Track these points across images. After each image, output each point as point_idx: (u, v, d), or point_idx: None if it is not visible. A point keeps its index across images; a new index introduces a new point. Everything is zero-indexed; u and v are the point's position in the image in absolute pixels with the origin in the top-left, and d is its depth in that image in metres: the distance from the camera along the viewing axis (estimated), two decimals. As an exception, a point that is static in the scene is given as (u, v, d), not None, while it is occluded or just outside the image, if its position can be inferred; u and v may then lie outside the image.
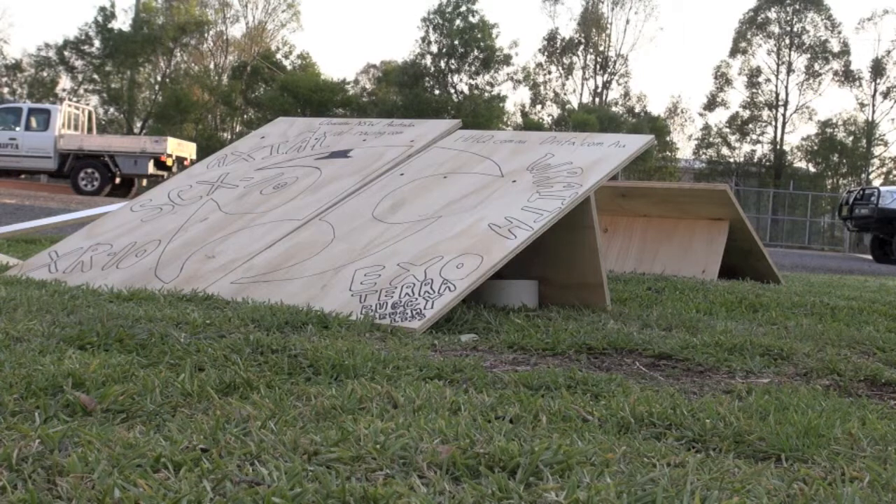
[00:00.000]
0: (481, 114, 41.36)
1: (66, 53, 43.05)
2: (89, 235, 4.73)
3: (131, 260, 4.35)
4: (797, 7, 44.25)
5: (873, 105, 44.51)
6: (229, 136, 43.26)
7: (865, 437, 2.05)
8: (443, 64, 44.08)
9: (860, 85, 44.64)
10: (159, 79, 45.46)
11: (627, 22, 48.83)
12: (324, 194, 4.60)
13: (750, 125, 44.97)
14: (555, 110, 46.29)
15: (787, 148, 45.17)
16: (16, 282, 4.07)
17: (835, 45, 44.41)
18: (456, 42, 43.44)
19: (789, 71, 44.69)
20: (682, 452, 1.89)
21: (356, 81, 46.88)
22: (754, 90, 45.06)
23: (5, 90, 43.01)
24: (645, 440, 1.98)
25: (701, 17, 64.75)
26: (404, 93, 43.18)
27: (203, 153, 24.71)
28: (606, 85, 46.65)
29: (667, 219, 7.19)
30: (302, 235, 4.24)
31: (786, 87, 44.81)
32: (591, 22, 45.56)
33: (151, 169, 25.61)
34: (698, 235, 6.95)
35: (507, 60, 44.41)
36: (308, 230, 4.28)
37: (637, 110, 46.25)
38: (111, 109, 44.59)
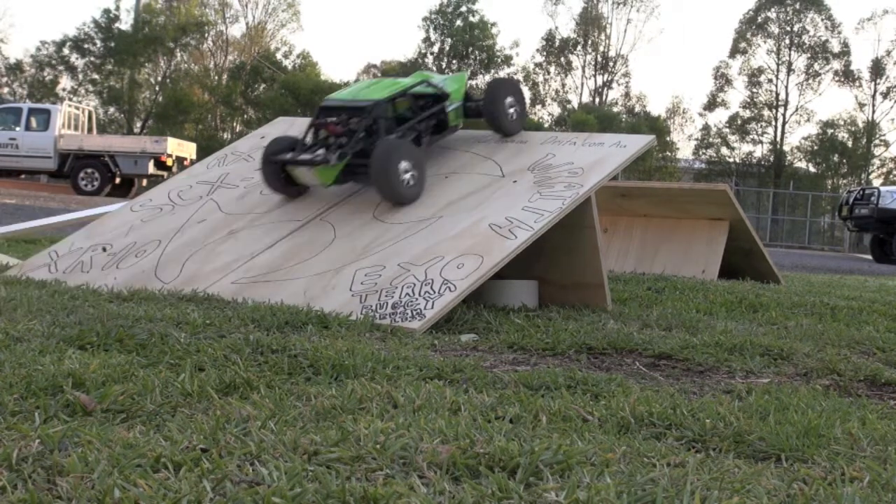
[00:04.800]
0: (482, 114, 41.30)
1: (66, 51, 43.03)
2: (89, 235, 4.73)
3: (131, 260, 4.35)
4: (797, 7, 44.23)
5: (873, 105, 44.51)
6: (229, 136, 43.21)
7: (865, 437, 2.05)
8: (443, 64, 44.08)
9: (860, 85, 44.64)
10: (159, 79, 45.46)
11: (629, 21, 48.86)
12: (324, 194, 4.60)
13: (750, 125, 44.96)
14: (555, 109, 46.33)
15: (787, 148, 45.17)
16: (16, 282, 4.07)
17: (835, 46, 44.39)
18: (457, 42, 43.43)
19: (789, 71, 44.69)
20: (682, 452, 1.88)
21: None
22: (754, 90, 45.06)
23: (5, 90, 43.00)
24: (645, 440, 1.98)
25: (701, 17, 64.74)
26: (404, 92, 43.12)
27: (203, 153, 24.67)
28: (607, 84, 46.65)
29: (667, 219, 7.18)
30: (302, 236, 4.24)
31: (786, 88, 44.81)
32: (590, 21, 45.54)
33: (151, 169, 25.59)
34: (698, 235, 6.95)
35: (507, 61, 44.43)
36: (308, 230, 4.28)
37: (637, 110, 46.25)
38: (111, 109, 44.57)
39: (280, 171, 4.53)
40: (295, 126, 5.60)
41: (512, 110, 4.83)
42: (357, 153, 4.41)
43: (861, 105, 44.82)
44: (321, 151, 4.43)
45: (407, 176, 4.29)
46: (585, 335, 3.32)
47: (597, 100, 46.53)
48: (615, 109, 45.50)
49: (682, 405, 2.25)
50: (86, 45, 42.90)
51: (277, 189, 4.56)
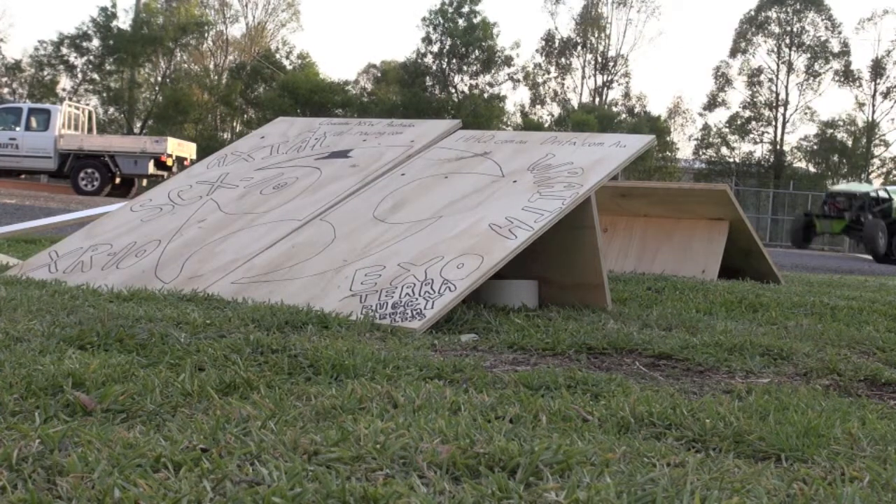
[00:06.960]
0: (481, 114, 41.35)
1: (65, 50, 42.99)
2: (89, 235, 4.73)
3: (131, 260, 4.35)
4: (797, 7, 44.24)
5: (873, 105, 44.53)
6: (229, 136, 43.21)
7: (865, 437, 2.05)
8: (444, 63, 44.06)
9: (860, 85, 44.65)
10: (159, 79, 45.45)
11: (629, 21, 48.89)
12: (324, 194, 4.60)
13: (750, 125, 44.96)
14: (555, 109, 46.31)
15: (786, 148, 45.18)
16: (16, 282, 4.07)
17: (835, 46, 44.41)
18: (458, 42, 43.41)
19: (789, 71, 44.68)
20: (682, 452, 1.88)
21: (356, 81, 46.87)
22: (754, 90, 45.05)
23: (5, 90, 42.98)
24: (645, 440, 1.98)
25: (701, 17, 64.75)
26: (404, 92, 43.16)
27: (203, 153, 24.68)
28: (607, 84, 46.64)
29: (667, 219, 7.18)
30: (302, 235, 4.24)
31: (786, 87, 44.81)
32: (589, 21, 45.53)
33: (151, 169, 25.61)
34: (698, 235, 6.94)
35: (508, 62, 44.41)
36: (308, 230, 4.28)
37: (637, 110, 46.24)
38: (111, 109, 44.56)
39: (806, 223, 12.28)
40: (295, 126, 5.60)
41: None
42: (853, 219, 10.61)
43: (861, 105, 44.85)
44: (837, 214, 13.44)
45: (882, 241, 11.27)
46: (585, 335, 3.32)
47: (597, 100, 46.53)
48: (615, 109, 45.49)
49: (682, 405, 2.25)
50: (84, 44, 42.84)
51: (797, 237, 10.58)
